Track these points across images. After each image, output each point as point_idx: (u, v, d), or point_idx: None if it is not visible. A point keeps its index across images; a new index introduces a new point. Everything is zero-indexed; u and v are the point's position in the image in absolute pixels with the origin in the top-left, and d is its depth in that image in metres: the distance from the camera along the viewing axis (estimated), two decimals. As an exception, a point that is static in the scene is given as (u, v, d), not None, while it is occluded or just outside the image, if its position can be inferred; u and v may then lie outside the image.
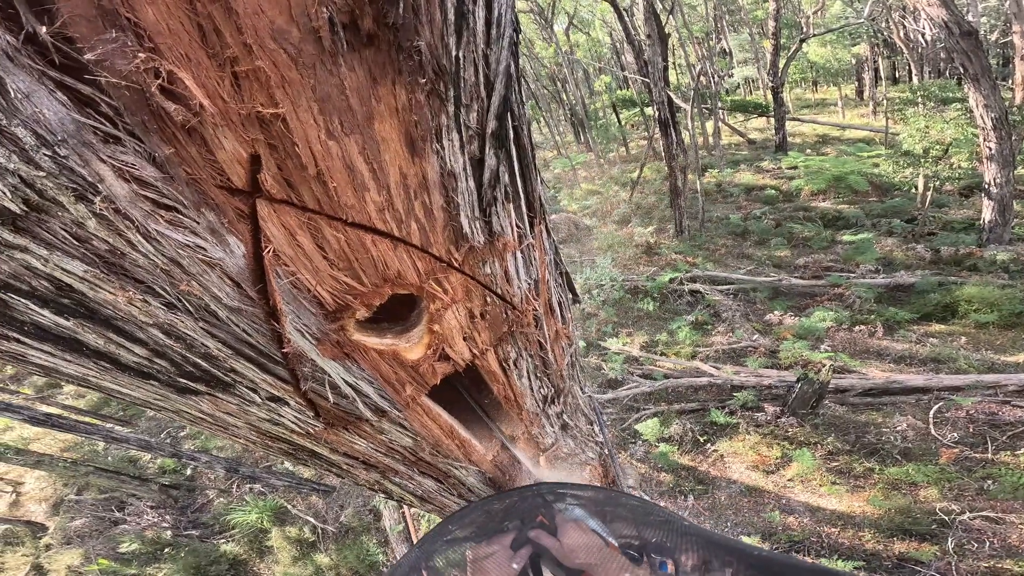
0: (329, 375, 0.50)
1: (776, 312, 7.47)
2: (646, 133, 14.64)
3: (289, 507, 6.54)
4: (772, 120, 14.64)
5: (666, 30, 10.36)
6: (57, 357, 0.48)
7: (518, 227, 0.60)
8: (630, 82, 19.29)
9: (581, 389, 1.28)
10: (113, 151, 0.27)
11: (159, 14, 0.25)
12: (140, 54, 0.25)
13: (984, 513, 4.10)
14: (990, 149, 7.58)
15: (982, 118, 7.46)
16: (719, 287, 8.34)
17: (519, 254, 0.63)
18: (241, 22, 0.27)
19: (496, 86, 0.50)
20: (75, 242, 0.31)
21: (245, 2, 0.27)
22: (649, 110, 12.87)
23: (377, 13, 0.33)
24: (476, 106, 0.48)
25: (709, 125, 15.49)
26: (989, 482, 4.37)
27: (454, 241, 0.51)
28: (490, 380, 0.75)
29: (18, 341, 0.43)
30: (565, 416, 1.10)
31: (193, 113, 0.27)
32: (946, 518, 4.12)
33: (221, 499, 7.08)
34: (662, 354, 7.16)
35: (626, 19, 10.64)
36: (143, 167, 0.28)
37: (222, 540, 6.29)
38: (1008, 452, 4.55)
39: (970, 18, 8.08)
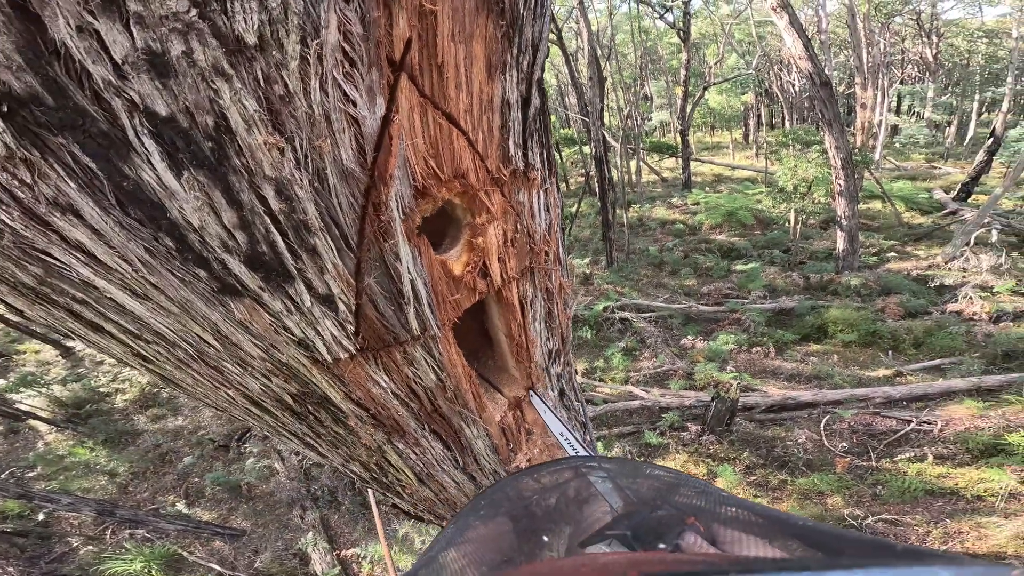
0: (400, 260, 0.58)
1: (689, 337, 8.05)
2: (583, 170, 15.79)
3: (185, 554, 5.61)
4: (680, 160, 16.43)
5: (604, 74, 11.49)
6: (103, 240, 0.47)
7: (542, 168, 0.73)
8: (571, 122, 20.79)
9: (573, 363, 1.38)
10: (343, 7, 0.37)
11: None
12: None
13: (883, 516, 4.46)
14: (840, 186, 8.80)
15: (834, 158, 8.63)
16: (643, 315, 8.95)
17: (540, 195, 0.76)
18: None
19: (540, 47, 0.65)
20: (263, 83, 0.38)
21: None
22: (587, 148, 13.94)
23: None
24: (527, 56, 0.63)
25: (633, 164, 17.16)
26: (879, 488, 4.81)
27: (502, 159, 0.63)
28: (509, 318, 0.85)
29: (79, 216, 0.43)
30: (563, 382, 1.21)
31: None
32: (854, 523, 4.45)
33: (90, 547, 5.87)
34: (600, 380, 7.45)
35: (572, 63, 11.68)
36: (355, 24, 0.38)
37: (92, 594, 5.19)
38: (887, 460, 5.09)
39: (826, 71, 9.86)
